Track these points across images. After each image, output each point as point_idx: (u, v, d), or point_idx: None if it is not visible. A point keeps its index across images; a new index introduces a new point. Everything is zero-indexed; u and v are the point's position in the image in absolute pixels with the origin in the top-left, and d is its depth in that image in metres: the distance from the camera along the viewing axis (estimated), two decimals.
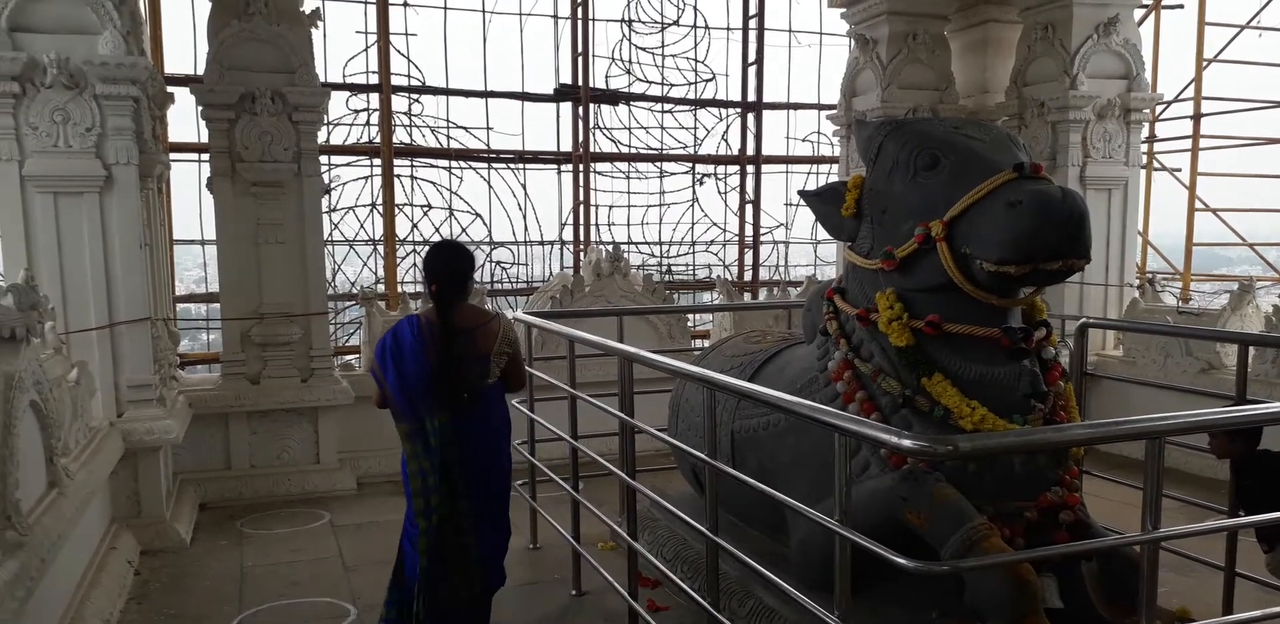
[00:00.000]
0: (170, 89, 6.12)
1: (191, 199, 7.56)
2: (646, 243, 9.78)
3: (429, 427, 3.41)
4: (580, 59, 9.04)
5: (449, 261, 3.52)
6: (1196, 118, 8.99)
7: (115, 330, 4.97)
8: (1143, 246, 9.02)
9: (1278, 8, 9.18)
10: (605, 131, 9.47)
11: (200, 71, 6.04)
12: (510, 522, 3.80)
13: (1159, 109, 9.08)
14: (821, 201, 3.41)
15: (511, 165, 9.17)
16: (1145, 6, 8.97)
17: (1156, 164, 9.34)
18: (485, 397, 3.55)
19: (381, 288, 8.24)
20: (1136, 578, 2.24)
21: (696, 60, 9.77)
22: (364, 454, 6.46)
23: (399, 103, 8.61)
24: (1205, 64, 8.96)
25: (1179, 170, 9.29)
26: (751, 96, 9.80)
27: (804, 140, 10.26)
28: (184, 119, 7.18)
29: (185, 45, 7.69)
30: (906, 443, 1.97)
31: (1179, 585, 3.98)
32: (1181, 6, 9.35)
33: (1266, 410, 2.32)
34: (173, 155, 7.00)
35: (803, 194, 3.56)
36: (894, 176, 3.11)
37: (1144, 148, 8.28)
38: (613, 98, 9.46)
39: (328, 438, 6.23)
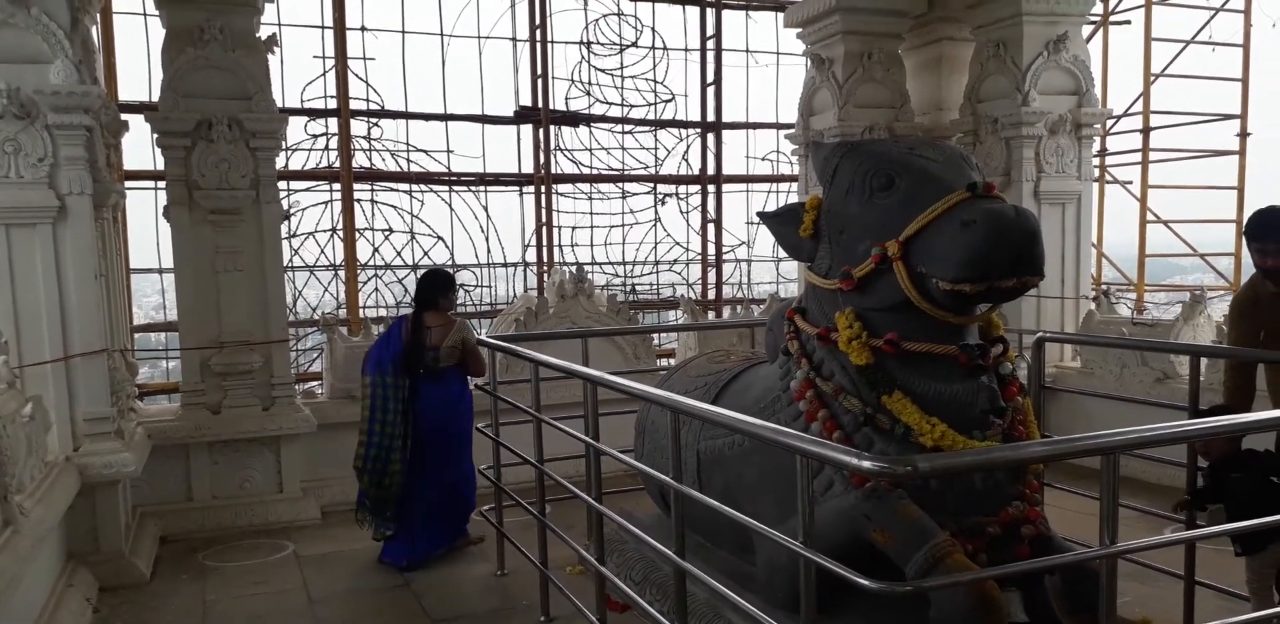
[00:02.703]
0: (125, 117, 6.05)
1: (149, 227, 7.49)
2: (610, 263, 9.80)
3: (386, 381, 5.17)
4: (540, 81, 9.07)
5: (422, 281, 5.50)
6: (1146, 131, 9.19)
7: (70, 363, 4.89)
8: (1097, 258, 9.17)
9: (1223, 22, 9.43)
10: (566, 153, 9.49)
11: (155, 99, 5.99)
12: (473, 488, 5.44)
13: (1109, 123, 9.27)
14: (780, 223, 3.44)
15: (473, 188, 9.15)
16: (1094, 23, 9.18)
17: (1108, 177, 9.52)
18: (441, 374, 5.26)
19: (343, 313, 8.18)
20: (1097, 589, 2.26)
21: (655, 81, 9.84)
22: (328, 482, 6.39)
23: (358, 127, 8.58)
24: (1153, 79, 9.17)
25: (1130, 183, 9.49)
26: (711, 116, 9.88)
27: (763, 159, 10.35)
28: (139, 147, 7.10)
29: (140, 73, 7.67)
30: (867, 464, 1.99)
31: (1140, 595, 4.03)
32: (1129, 22, 9.59)
33: (1215, 424, 2.37)
34: (129, 183, 6.94)
35: (761, 215, 3.59)
36: (850, 198, 3.14)
37: (1095, 161, 8.44)
38: (573, 119, 9.49)
39: (291, 467, 6.16)
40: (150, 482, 5.71)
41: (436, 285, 5.38)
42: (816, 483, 3.03)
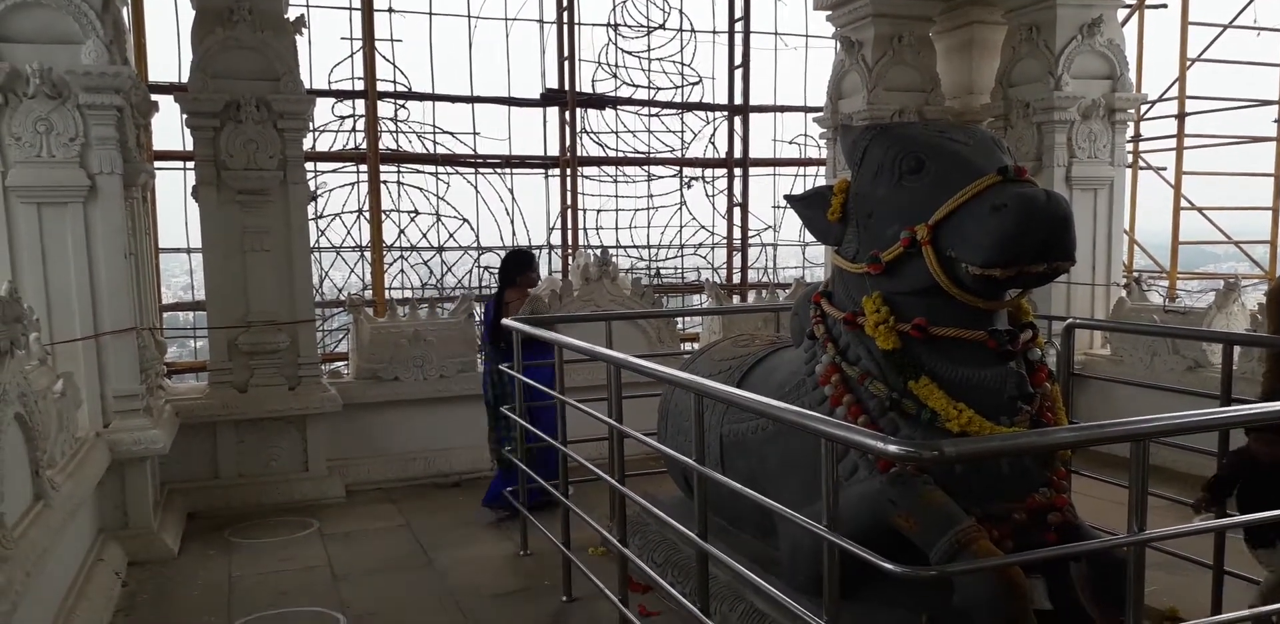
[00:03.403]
0: (155, 97, 6.09)
1: (177, 207, 7.53)
2: (635, 246, 9.76)
3: (487, 351, 5.88)
4: (566, 63, 9.03)
5: (503, 261, 6.08)
6: (1181, 117, 9.03)
7: (101, 341, 4.95)
8: (1129, 245, 9.05)
9: (1263, 6, 9.24)
10: (592, 136, 9.45)
11: (185, 79, 6.02)
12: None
13: (1143, 108, 9.12)
14: (807, 206, 3.42)
15: (498, 170, 9.14)
16: (1129, 6, 9.01)
17: (1142, 163, 9.37)
18: (525, 346, 5.07)
19: (369, 294, 8.22)
20: (1124, 578, 2.24)
21: (683, 64, 9.76)
22: (353, 462, 6.45)
23: (385, 109, 8.57)
24: (1189, 63, 9.00)
25: (1164, 169, 9.34)
26: (738, 99, 9.80)
27: (791, 143, 10.25)
28: (169, 127, 7.16)
29: (170, 53, 7.68)
30: (892, 448, 1.98)
31: (1168, 584, 3.99)
32: (1165, 6, 9.39)
33: (1249, 411, 2.33)
34: (158, 163, 6.97)
35: (789, 199, 3.57)
36: (879, 181, 3.11)
37: (1129, 147, 8.31)
38: (599, 102, 9.44)
39: (316, 446, 6.21)
40: (178, 459, 5.77)
41: (513, 264, 5.91)
42: (841, 467, 3.03)
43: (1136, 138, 9.21)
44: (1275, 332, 3.74)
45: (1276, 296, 3.83)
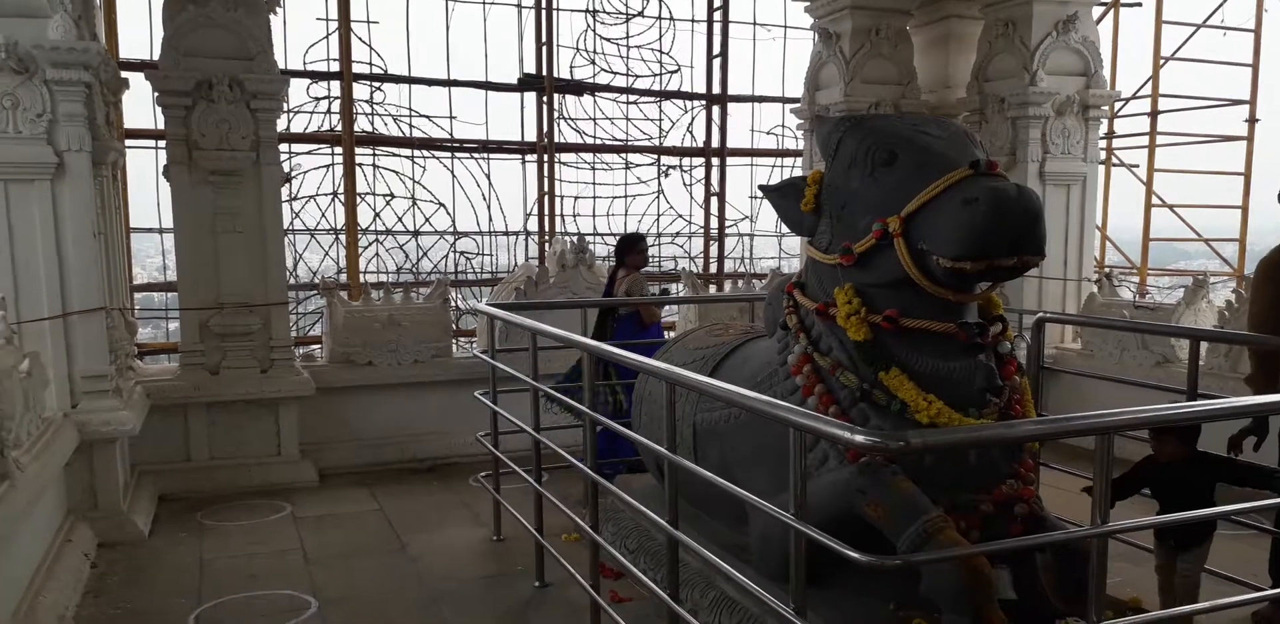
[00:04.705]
0: (125, 74, 5.99)
1: (150, 186, 7.44)
2: (612, 234, 9.73)
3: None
4: (545, 49, 8.98)
5: (617, 244, 6.37)
6: (1154, 115, 9.12)
7: (68, 320, 4.89)
8: (1101, 241, 9.14)
9: (1235, 7, 9.33)
10: (570, 122, 9.40)
11: (156, 57, 5.94)
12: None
13: (1117, 106, 9.19)
14: (781, 196, 3.43)
15: (475, 155, 9.08)
16: (1104, 4, 9.07)
17: (1115, 160, 9.46)
18: (624, 320, 5.93)
19: (343, 278, 8.17)
20: (1087, 569, 2.28)
21: (661, 52, 9.73)
22: (326, 446, 6.43)
23: (361, 91, 8.49)
24: (1162, 62, 9.09)
25: (1136, 166, 9.42)
26: (716, 89, 9.79)
27: (768, 133, 10.25)
28: (141, 105, 7.04)
29: (141, 30, 7.55)
30: (860, 438, 2.00)
31: (1132, 575, 4.05)
32: (1140, 4, 9.46)
33: (1212, 406, 2.37)
34: (129, 142, 6.89)
35: (763, 189, 3.58)
36: (852, 172, 3.13)
37: (1102, 144, 8.39)
38: (577, 88, 9.40)
39: (288, 429, 6.18)
40: (149, 441, 5.72)
41: (622, 246, 6.23)
42: (812, 457, 3.05)
43: (1110, 135, 9.30)
44: (1259, 306, 3.74)
45: (1266, 272, 3.79)
